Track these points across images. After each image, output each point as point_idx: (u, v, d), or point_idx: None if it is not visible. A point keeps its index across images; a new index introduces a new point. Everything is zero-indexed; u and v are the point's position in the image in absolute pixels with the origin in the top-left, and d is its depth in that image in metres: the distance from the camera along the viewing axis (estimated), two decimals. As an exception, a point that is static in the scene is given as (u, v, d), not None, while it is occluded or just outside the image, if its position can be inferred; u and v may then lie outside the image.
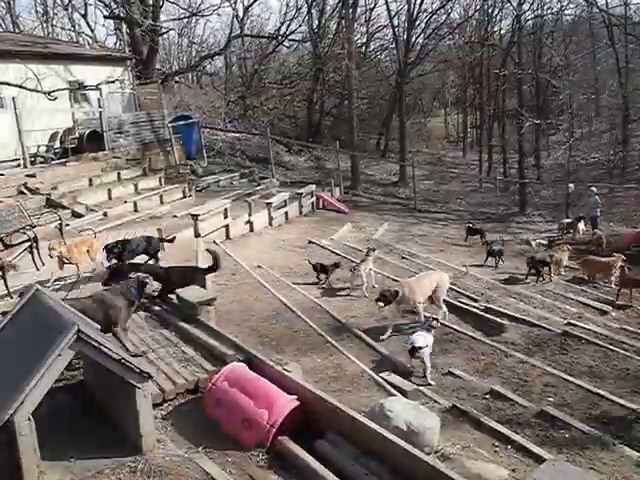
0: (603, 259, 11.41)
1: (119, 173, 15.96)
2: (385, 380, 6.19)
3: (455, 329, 7.94)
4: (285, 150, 27.71)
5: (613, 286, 10.64)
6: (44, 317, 4.34)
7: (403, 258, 12.13)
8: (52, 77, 16.37)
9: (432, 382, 6.45)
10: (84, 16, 28.98)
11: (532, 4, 25.11)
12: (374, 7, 32.12)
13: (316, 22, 30.44)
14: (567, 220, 16.88)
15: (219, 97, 28.83)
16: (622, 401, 6.05)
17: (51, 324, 4.12)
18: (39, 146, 16.02)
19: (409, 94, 33.65)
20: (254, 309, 8.27)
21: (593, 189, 16.35)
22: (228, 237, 12.32)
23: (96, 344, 3.97)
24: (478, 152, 29.56)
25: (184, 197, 15.83)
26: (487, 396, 6.11)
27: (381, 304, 7.67)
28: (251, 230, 13.14)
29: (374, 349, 7.19)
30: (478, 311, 8.58)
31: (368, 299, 9.10)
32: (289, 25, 30.78)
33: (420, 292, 7.96)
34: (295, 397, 4.78)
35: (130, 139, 18.13)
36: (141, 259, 8.39)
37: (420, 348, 6.38)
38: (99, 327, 5.05)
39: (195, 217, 11.50)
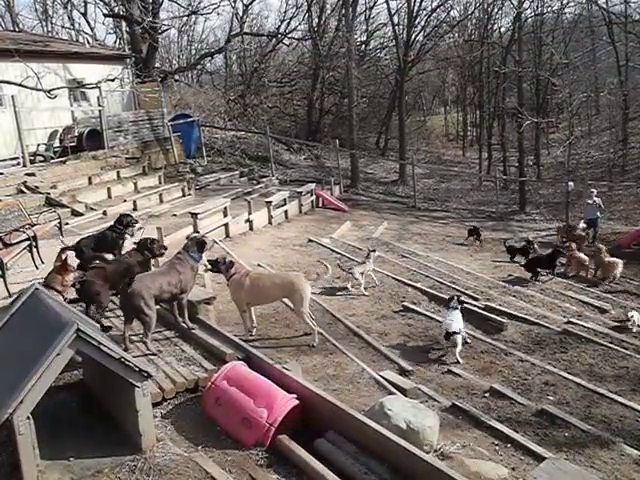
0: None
1: (118, 172, 15.95)
2: (385, 379, 6.19)
3: (455, 328, 7.94)
4: (285, 149, 27.70)
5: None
6: (43, 316, 4.34)
7: (403, 257, 12.13)
8: (52, 75, 16.36)
9: (461, 360, 6.86)
10: (84, 14, 29.02)
11: (532, 2, 25.11)
12: (374, 5, 32.21)
13: (316, 20, 30.44)
14: (563, 224, 16.51)
15: (219, 96, 28.81)
16: (622, 399, 6.06)
17: (50, 323, 4.12)
18: (39, 145, 16.02)
19: (409, 92, 33.62)
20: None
21: (593, 190, 15.97)
22: (228, 236, 12.31)
23: (95, 343, 3.96)
24: (478, 150, 29.55)
25: (184, 196, 15.82)
26: (487, 395, 6.12)
27: (209, 266, 7.04)
28: (251, 229, 13.13)
29: (374, 348, 7.19)
30: (478, 309, 8.59)
31: (367, 298, 9.11)
32: (289, 23, 30.82)
33: (244, 296, 6.82)
34: (295, 396, 4.78)
35: (129, 138, 18.11)
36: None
37: (455, 333, 6.88)
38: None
39: (195, 216, 11.50)
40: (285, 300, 8.50)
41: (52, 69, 16.66)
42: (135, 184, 15.58)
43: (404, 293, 9.32)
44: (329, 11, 31.08)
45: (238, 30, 30.15)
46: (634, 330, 7.93)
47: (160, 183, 16.51)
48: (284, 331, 7.54)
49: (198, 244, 6.28)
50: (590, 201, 15.44)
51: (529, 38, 25.83)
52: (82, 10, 28.73)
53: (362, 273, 9.34)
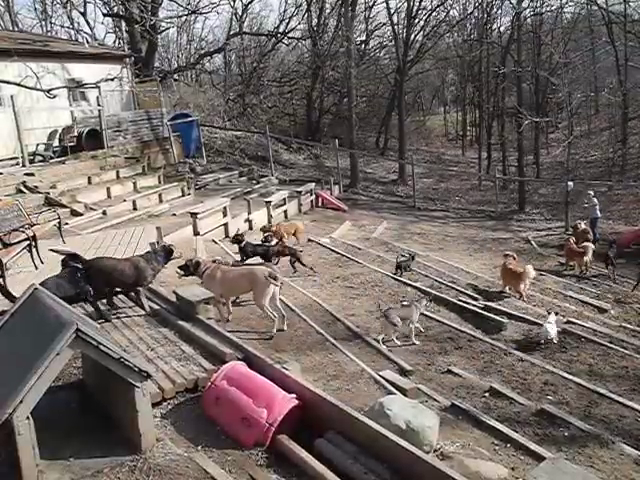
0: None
1: (118, 171, 15.94)
2: (384, 378, 6.18)
3: (454, 327, 7.95)
4: (284, 148, 27.70)
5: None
6: (43, 316, 4.33)
7: (402, 256, 12.11)
8: (51, 75, 16.35)
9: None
10: (83, 14, 28.94)
11: (531, 1, 25.10)
12: (373, 5, 32.09)
13: (315, 20, 30.42)
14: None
15: (218, 95, 28.80)
16: (621, 399, 6.06)
17: (50, 323, 4.12)
18: (38, 144, 16.00)
19: (408, 92, 33.60)
20: (253, 307, 8.24)
21: (590, 192, 15.72)
22: (227, 235, 12.31)
23: (95, 343, 3.96)
24: (477, 150, 29.54)
25: (183, 195, 15.82)
26: (486, 394, 6.12)
27: (181, 272, 7.42)
28: (250, 228, 13.13)
29: (373, 347, 7.18)
30: (477, 309, 8.59)
31: (367, 297, 9.09)
32: (288, 23, 30.76)
33: (223, 286, 7.13)
34: (294, 396, 4.78)
35: (129, 137, 18.10)
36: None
37: None
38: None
39: (194, 215, 11.50)
40: (284, 300, 8.54)
41: (51, 69, 16.65)
42: (134, 184, 15.56)
43: (404, 293, 9.32)
44: (328, 11, 31.07)
45: (237, 29, 30.14)
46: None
47: (159, 183, 16.50)
48: (284, 330, 7.52)
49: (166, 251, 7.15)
50: (588, 202, 15.36)
51: (528, 38, 25.83)
52: (81, 10, 28.68)
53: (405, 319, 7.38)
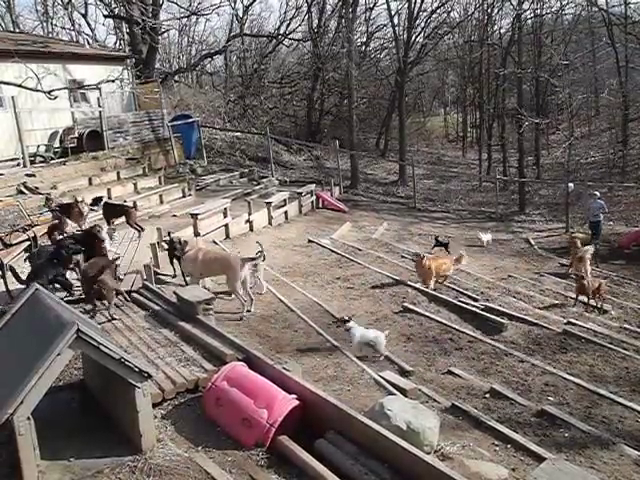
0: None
1: (119, 172, 15.94)
2: (385, 379, 6.19)
3: (455, 328, 7.95)
4: (285, 149, 27.69)
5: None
6: (43, 316, 4.34)
7: (403, 257, 12.13)
8: (51, 76, 16.34)
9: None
10: (84, 15, 28.99)
11: (532, 3, 25.07)
12: (374, 6, 32.06)
13: (316, 21, 30.43)
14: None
15: (219, 96, 28.82)
16: (622, 400, 6.06)
17: (51, 323, 4.12)
18: (39, 145, 16.00)
19: (409, 93, 33.60)
20: (254, 308, 8.26)
21: (596, 193, 15.44)
22: (228, 236, 12.32)
23: (96, 343, 3.96)
24: (478, 151, 29.53)
25: (184, 196, 15.81)
26: (487, 395, 6.12)
27: (165, 246, 8.43)
28: (251, 229, 13.13)
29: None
30: (478, 310, 8.59)
31: (368, 298, 9.09)
32: (289, 24, 30.77)
33: (199, 267, 7.82)
34: (295, 396, 4.78)
35: (130, 138, 18.11)
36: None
37: None
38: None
39: (195, 216, 11.50)
40: (284, 300, 8.56)
41: (52, 70, 16.64)
42: (135, 185, 15.57)
43: (404, 294, 9.32)
44: (329, 12, 31.09)
45: (238, 31, 30.17)
46: None
47: (160, 184, 16.50)
48: (284, 331, 7.54)
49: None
50: (593, 204, 15.12)
51: (529, 39, 25.82)
52: (82, 11, 28.73)
53: None
